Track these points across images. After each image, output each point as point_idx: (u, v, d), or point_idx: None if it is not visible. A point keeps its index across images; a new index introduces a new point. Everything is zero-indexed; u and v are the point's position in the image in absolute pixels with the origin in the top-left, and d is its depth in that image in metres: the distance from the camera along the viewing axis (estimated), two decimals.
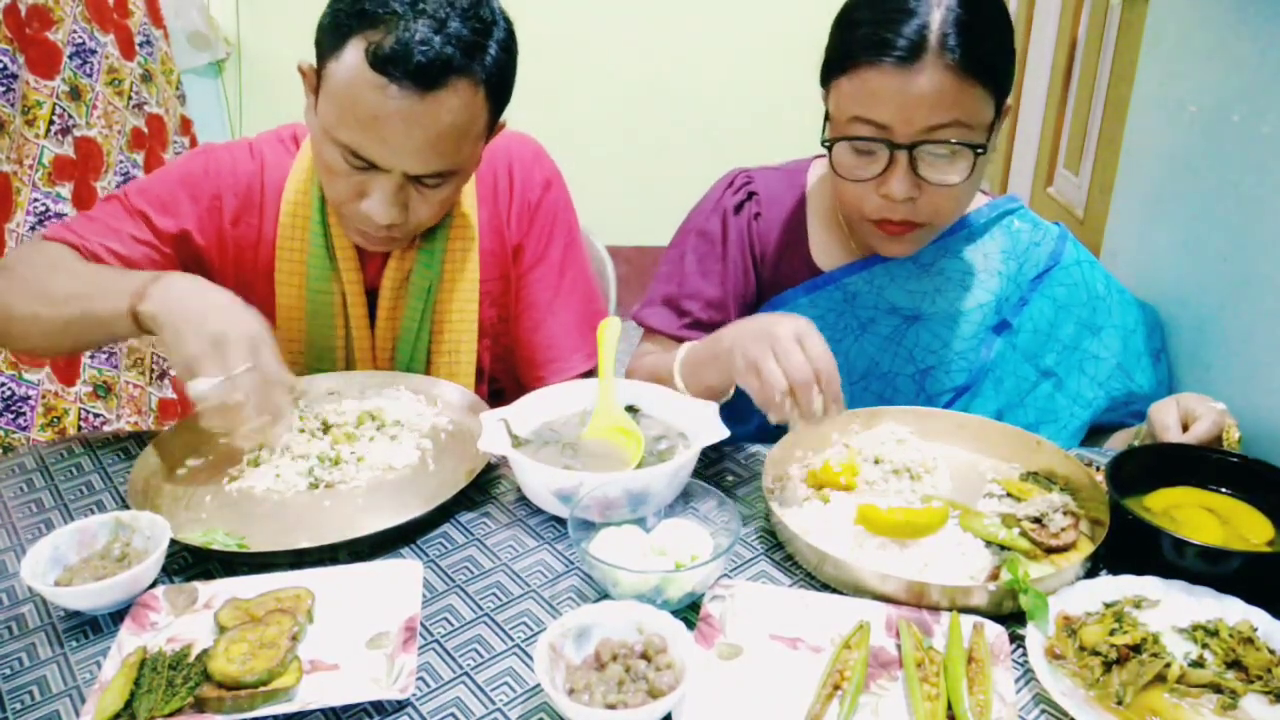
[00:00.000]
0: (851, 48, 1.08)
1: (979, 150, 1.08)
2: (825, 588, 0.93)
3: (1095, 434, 1.34)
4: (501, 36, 1.11)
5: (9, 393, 1.81)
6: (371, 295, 1.31)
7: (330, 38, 1.08)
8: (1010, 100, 1.14)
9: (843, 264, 1.29)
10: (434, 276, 1.29)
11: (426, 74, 1.04)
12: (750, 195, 1.32)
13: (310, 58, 1.13)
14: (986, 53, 1.06)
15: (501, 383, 1.41)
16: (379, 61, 1.03)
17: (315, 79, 1.12)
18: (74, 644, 0.86)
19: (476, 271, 1.31)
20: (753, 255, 1.32)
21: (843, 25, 1.12)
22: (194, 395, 0.97)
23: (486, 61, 1.09)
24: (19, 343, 1.18)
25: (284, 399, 1.02)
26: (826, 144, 1.14)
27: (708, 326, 1.31)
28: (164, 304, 1.01)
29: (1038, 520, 0.98)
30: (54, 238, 1.19)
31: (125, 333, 1.06)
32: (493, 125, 1.17)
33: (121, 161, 2.08)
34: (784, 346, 0.97)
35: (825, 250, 1.31)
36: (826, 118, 1.16)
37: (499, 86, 1.13)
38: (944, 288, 1.28)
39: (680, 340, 1.31)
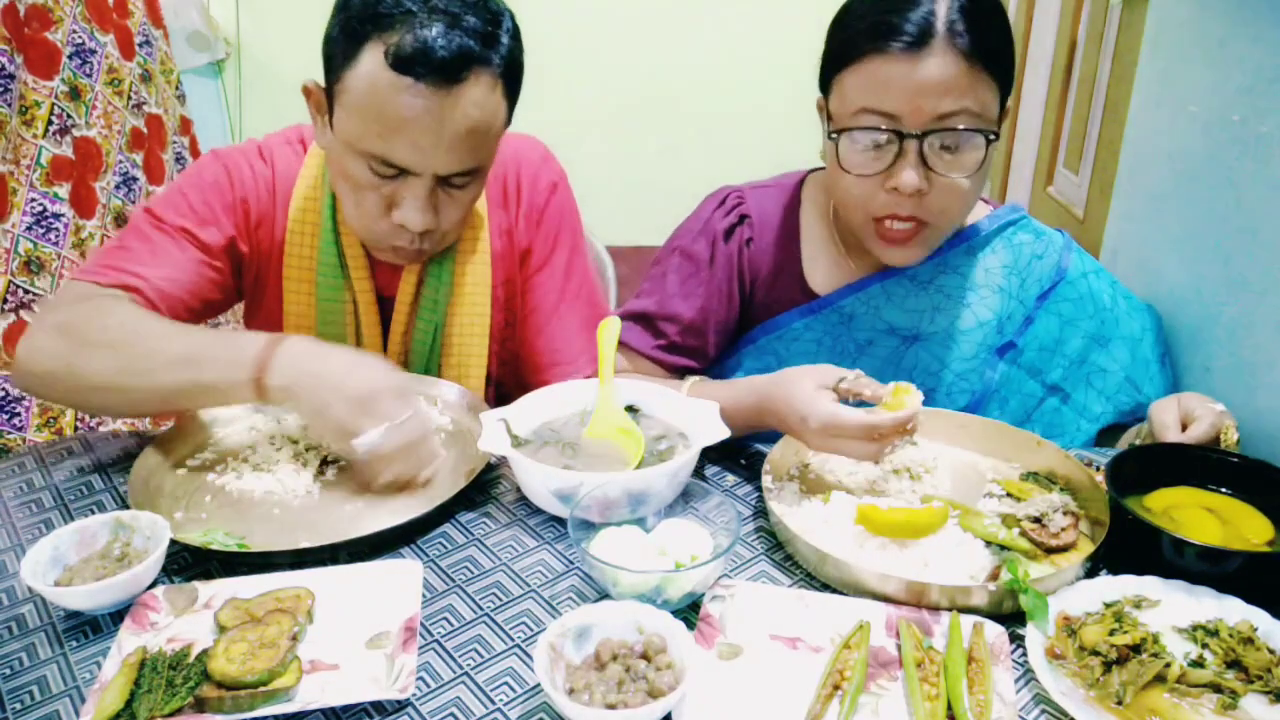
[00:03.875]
0: (856, 39, 1.08)
1: (991, 137, 1.08)
2: (825, 588, 0.93)
3: (1107, 433, 1.32)
4: (510, 26, 1.11)
5: (3, 393, 1.81)
6: (383, 302, 1.29)
7: (342, 48, 1.05)
8: (1010, 101, 1.14)
9: (838, 285, 1.28)
10: (444, 287, 1.27)
11: (450, 69, 1.02)
12: (742, 219, 1.30)
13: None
14: (993, 40, 1.06)
15: (507, 386, 1.40)
16: (400, 62, 1.01)
17: (324, 97, 1.10)
18: (74, 644, 0.86)
19: (488, 280, 1.30)
20: (741, 282, 1.31)
21: (843, 23, 1.11)
22: (364, 449, 0.99)
23: (502, 52, 1.08)
24: (96, 409, 1.14)
25: (436, 440, 1.07)
26: (833, 136, 1.12)
27: (682, 350, 1.31)
28: (294, 375, 1.00)
29: (1038, 520, 0.98)
30: (109, 284, 1.12)
31: (242, 401, 1.05)
32: (509, 119, 1.15)
33: (121, 162, 2.08)
34: (840, 448, 1.01)
35: (819, 272, 1.29)
36: (829, 119, 1.15)
37: (513, 77, 1.12)
38: (943, 305, 1.26)
39: (653, 361, 1.31)
